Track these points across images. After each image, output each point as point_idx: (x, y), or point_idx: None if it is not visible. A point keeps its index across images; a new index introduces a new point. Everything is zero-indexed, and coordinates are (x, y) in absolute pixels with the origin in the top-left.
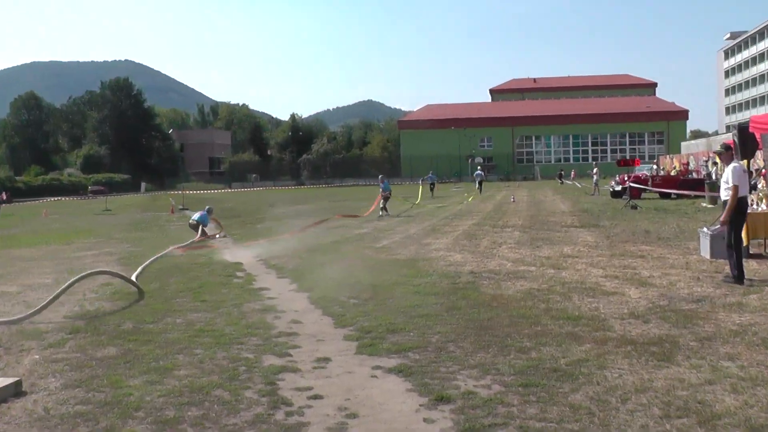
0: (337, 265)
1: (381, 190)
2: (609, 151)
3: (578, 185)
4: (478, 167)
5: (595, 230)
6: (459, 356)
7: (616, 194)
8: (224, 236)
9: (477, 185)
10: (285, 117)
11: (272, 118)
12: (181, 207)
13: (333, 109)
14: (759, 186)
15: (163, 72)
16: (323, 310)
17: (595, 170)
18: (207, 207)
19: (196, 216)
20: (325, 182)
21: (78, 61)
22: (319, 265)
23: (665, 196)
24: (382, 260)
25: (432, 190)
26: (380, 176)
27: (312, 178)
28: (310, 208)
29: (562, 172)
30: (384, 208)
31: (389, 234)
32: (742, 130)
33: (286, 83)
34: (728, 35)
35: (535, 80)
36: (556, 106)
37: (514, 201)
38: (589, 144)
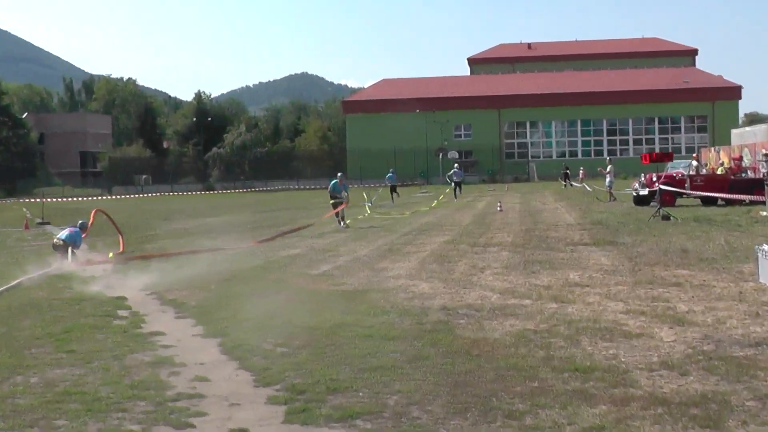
0: (260, 299)
1: (337, 193)
2: (631, 142)
3: (588, 188)
4: (455, 165)
5: (613, 249)
6: (426, 424)
7: (640, 200)
8: (120, 254)
9: (453, 186)
10: (188, 97)
11: (170, 98)
12: (39, 221)
13: (254, 85)
14: None
15: (12, 33)
16: (240, 362)
17: (608, 168)
18: (80, 222)
19: (63, 234)
20: (244, 185)
21: None
22: (234, 299)
23: (709, 201)
24: (322, 293)
25: (393, 194)
26: (339, 174)
27: (225, 180)
28: (223, 221)
29: (568, 171)
30: (342, 218)
31: (331, 256)
32: None
33: (190, 50)
34: None
35: (530, 46)
36: (559, 82)
37: (501, 210)
38: (604, 132)
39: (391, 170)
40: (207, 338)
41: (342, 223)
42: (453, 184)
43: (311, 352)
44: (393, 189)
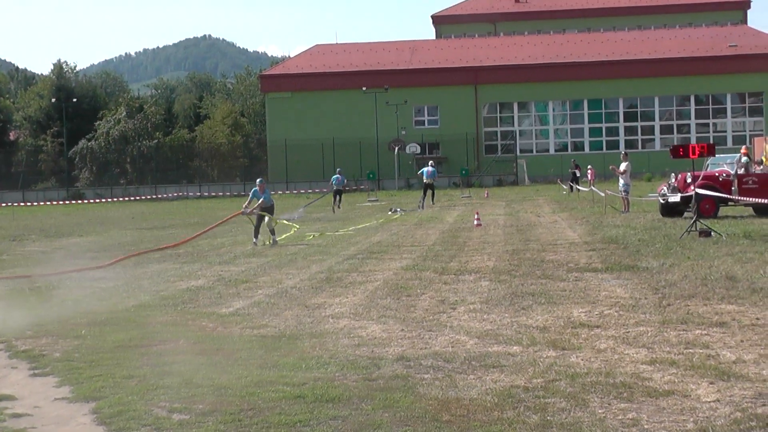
0: (148, 348)
1: (258, 200)
2: (657, 129)
3: (601, 193)
4: (430, 163)
5: (633, 277)
6: None
7: (670, 209)
8: None
9: (424, 193)
10: (44, 69)
11: (18, 70)
12: None
13: (137, 53)
14: None
15: None
16: None
17: (623, 166)
18: None
19: None
20: (124, 192)
21: None
22: (113, 349)
23: (765, 211)
24: (234, 339)
25: (337, 201)
26: (259, 180)
27: (98, 185)
28: (94, 242)
29: (578, 171)
30: (257, 232)
31: (247, 288)
32: None
33: (46, 2)
34: None
35: None
36: (558, 47)
37: (479, 224)
38: (620, 117)
39: (338, 170)
40: (76, 403)
41: (255, 241)
42: (424, 187)
43: (220, 420)
44: (338, 194)
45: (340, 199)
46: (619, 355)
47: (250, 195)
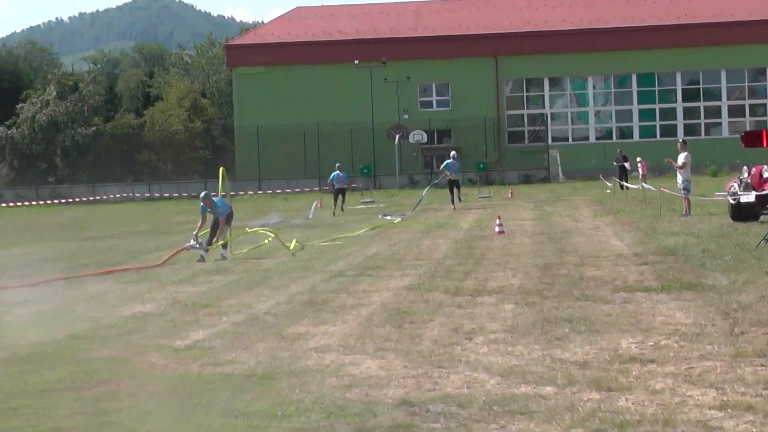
0: (83, 392)
1: (219, 216)
2: (725, 111)
3: (651, 188)
4: (452, 154)
5: (696, 298)
6: None
7: (742, 212)
8: None
9: (450, 192)
10: None
11: None
12: None
13: (71, 18)
14: None
15: None
16: None
17: (681, 158)
18: None
19: None
20: (54, 193)
21: None
22: (37, 394)
23: None
24: (192, 379)
25: (341, 202)
26: (203, 194)
27: (21, 184)
28: (18, 256)
29: (626, 163)
30: (209, 243)
31: (209, 314)
32: None
33: None
34: None
35: None
36: (599, 10)
37: (501, 231)
38: (678, 96)
39: (337, 165)
40: None
41: (224, 252)
42: (447, 182)
43: None
44: (340, 194)
45: (343, 200)
46: (681, 398)
47: (200, 212)
